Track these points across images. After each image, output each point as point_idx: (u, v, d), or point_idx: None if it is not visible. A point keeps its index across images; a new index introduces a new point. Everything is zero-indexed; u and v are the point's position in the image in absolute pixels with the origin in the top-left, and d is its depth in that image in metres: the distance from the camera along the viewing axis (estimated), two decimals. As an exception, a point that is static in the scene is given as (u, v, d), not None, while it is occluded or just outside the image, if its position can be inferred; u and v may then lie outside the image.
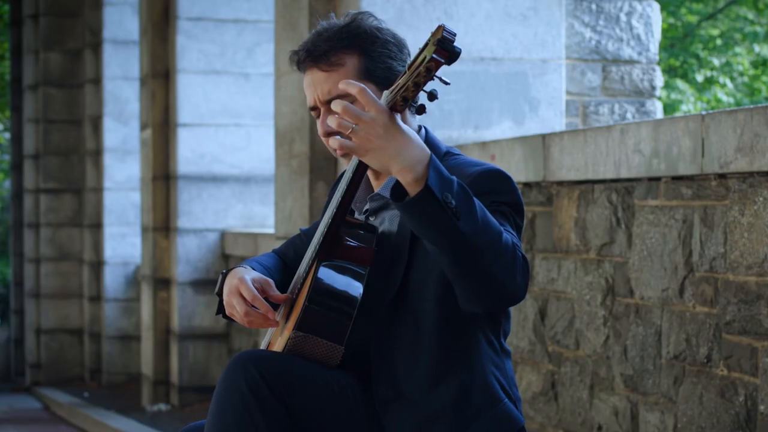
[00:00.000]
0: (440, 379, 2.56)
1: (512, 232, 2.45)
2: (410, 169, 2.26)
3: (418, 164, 2.26)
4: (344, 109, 2.26)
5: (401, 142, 2.26)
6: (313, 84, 2.61)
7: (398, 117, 2.29)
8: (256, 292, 2.62)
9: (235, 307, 2.64)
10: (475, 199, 2.31)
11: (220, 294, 2.75)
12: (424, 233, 2.32)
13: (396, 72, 2.60)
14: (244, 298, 2.62)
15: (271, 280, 2.67)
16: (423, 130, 2.68)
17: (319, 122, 2.63)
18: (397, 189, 2.30)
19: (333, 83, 2.58)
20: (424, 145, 2.29)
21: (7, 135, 18.28)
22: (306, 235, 2.91)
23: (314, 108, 2.64)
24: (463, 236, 2.27)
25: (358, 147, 2.27)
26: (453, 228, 2.26)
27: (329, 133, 2.59)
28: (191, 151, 7.89)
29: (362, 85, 2.27)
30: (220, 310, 2.79)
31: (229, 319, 2.78)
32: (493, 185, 2.49)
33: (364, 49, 2.59)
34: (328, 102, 2.59)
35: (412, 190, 2.26)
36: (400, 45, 2.64)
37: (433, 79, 2.30)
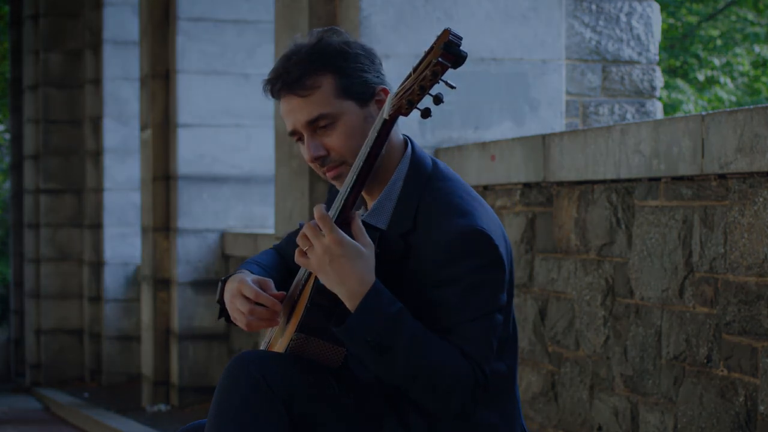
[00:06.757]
0: None
1: (467, 339, 2.47)
2: (348, 299, 2.41)
3: (355, 297, 2.39)
4: (308, 227, 2.41)
5: (345, 274, 2.39)
6: (292, 111, 2.56)
7: (353, 245, 2.40)
8: (258, 289, 2.62)
9: (238, 309, 2.63)
10: (409, 330, 2.39)
11: (221, 302, 2.74)
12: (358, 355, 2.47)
13: (371, 84, 2.56)
14: (247, 298, 2.62)
15: (270, 280, 2.67)
16: (409, 146, 2.62)
17: (303, 147, 2.58)
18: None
19: (312, 106, 2.53)
20: (368, 278, 2.40)
21: (7, 135, 18.27)
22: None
23: (294, 133, 2.59)
24: (386, 370, 2.42)
25: (313, 265, 2.43)
26: (375, 361, 2.41)
27: (316, 158, 2.56)
28: (191, 151, 7.89)
29: (324, 212, 2.39)
30: (222, 315, 2.78)
31: (233, 323, 2.79)
32: (468, 252, 2.46)
33: (337, 67, 2.54)
34: (310, 124, 2.55)
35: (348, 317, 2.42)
36: (370, 56, 2.59)
37: (439, 83, 2.32)
